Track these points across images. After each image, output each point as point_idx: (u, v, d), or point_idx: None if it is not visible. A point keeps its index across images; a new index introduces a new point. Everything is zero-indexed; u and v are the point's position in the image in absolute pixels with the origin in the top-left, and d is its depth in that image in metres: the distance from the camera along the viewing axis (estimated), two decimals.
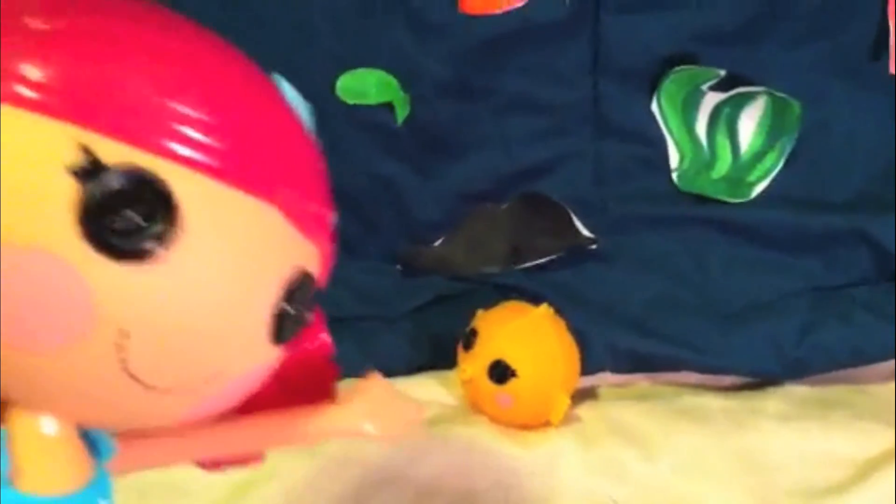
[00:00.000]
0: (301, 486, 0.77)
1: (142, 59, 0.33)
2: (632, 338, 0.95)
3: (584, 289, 0.97)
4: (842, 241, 0.99)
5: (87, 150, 0.31)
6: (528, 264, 0.98)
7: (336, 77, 0.95)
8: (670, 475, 0.82)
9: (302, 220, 0.36)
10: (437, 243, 1.00)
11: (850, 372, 0.95)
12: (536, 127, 0.99)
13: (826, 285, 0.99)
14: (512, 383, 0.83)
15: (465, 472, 0.80)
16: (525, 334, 0.86)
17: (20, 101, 0.31)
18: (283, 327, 0.36)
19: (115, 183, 0.31)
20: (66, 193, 0.31)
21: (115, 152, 0.31)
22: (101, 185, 0.31)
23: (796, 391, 0.92)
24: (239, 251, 0.34)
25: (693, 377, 0.95)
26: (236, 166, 0.33)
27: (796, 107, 0.96)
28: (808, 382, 0.94)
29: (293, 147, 0.37)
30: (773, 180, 0.98)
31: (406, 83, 0.96)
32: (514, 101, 0.98)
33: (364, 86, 0.95)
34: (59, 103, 0.31)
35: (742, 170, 0.97)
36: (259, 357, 0.37)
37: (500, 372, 0.83)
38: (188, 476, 0.74)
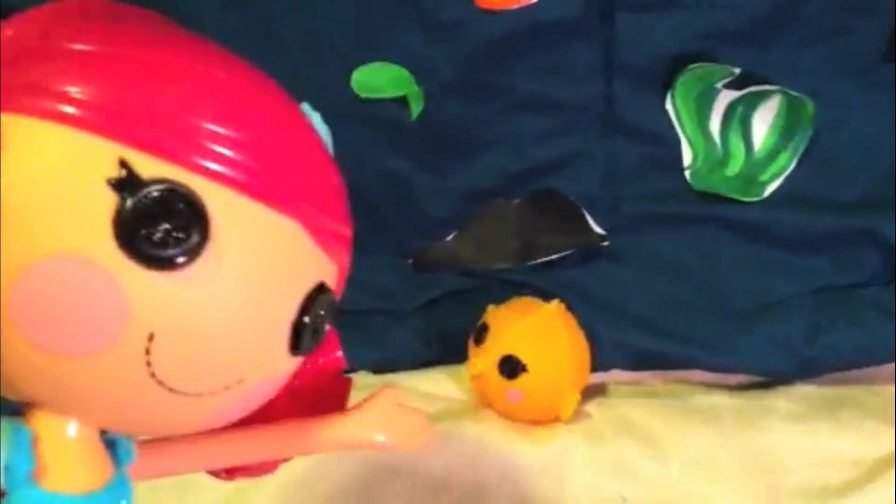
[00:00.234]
0: (310, 478, 0.77)
1: (176, 82, 0.35)
2: (642, 336, 0.95)
3: (595, 286, 0.97)
4: (851, 242, 0.99)
5: (125, 165, 0.33)
6: (538, 261, 0.98)
7: (348, 74, 0.95)
8: (679, 474, 0.82)
9: (323, 237, 0.38)
10: (448, 239, 1.01)
11: (860, 372, 0.95)
12: (548, 125, 0.99)
13: (836, 285, 0.99)
14: (522, 379, 0.84)
15: (473, 467, 0.81)
16: (536, 330, 0.86)
17: (64, 119, 0.33)
18: (302, 339, 0.38)
19: (151, 196, 0.33)
20: (106, 205, 0.33)
21: (152, 167, 0.33)
22: (138, 198, 0.33)
23: (806, 391, 0.92)
24: (264, 264, 0.36)
25: (703, 376, 0.95)
26: (264, 183, 0.35)
27: (810, 106, 0.96)
28: (817, 382, 0.94)
29: (317, 167, 0.39)
30: (785, 179, 0.98)
31: (418, 79, 0.96)
32: (525, 99, 0.98)
33: (379, 80, 0.95)
34: (99, 120, 0.33)
35: (755, 168, 0.97)
36: (277, 367, 0.39)
37: (511, 367, 0.84)
38: None
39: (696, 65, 0.95)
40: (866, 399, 0.91)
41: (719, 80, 0.96)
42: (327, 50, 0.94)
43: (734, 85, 0.96)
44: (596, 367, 0.90)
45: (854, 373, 0.95)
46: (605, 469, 0.82)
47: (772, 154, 0.97)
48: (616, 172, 1.00)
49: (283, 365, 0.39)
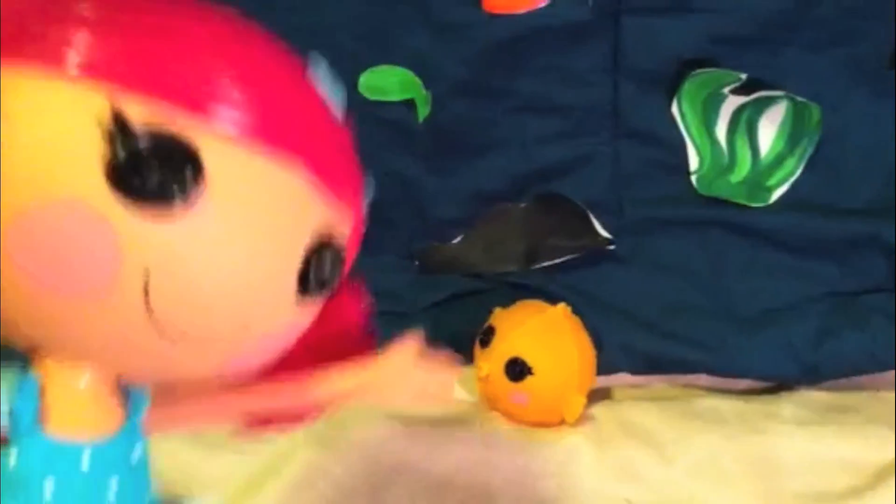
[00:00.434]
0: (317, 476, 0.78)
1: (173, 35, 0.36)
2: (648, 339, 0.96)
3: (601, 290, 0.97)
4: (858, 248, 0.99)
5: (118, 111, 0.34)
6: (544, 264, 0.98)
7: (356, 76, 0.95)
8: (684, 477, 0.82)
9: (326, 184, 0.38)
10: (454, 241, 1.01)
11: (865, 377, 0.95)
12: (555, 128, 0.99)
13: (842, 291, 0.99)
14: (528, 381, 0.84)
15: (479, 469, 0.81)
16: (542, 333, 0.86)
17: (60, 63, 0.34)
18: (308, 289, 0.38)
19: (143, 141, 0.34)
20: (98, 150, 0.34)
21: (145, 114, 0.34)
22: (130, 144, 0.34)
23: (811, 396, 0.92)
24: (260, 211, 0.37)
25: (708, 380, 0.95)
26: (257, 124, 0.36)
27: (816, 112, 0.96)
28: (822, 387, 0.94)
29: (316, 117, 0.39)
30: (791, 185, 0.98)
31: (425, 83, 0.97)
32: (532, 102, 0.98)
33: (386, 83, 0.95)
34: (92, 69, 0.34)
35: (761, 174, 0.97)
36: (285, 316, 0.39)
37: (517, 370, 0.84)
38: (208, 466, 0.75)
39: (702, 69, 0.95)
40: (870, 405, 0.91)
41: (726, 85, 0.96)
42: (335, 52, 0.94)
43: (741, 90, 0.96)
44: (602, 371, 0.90)
45: (859, 378, 0.95)
46: (611, 471, 0.82)
47: (778, 159, 0.97)
48: (622, 176, 1.00)
49: (291, 315, 0.39)
